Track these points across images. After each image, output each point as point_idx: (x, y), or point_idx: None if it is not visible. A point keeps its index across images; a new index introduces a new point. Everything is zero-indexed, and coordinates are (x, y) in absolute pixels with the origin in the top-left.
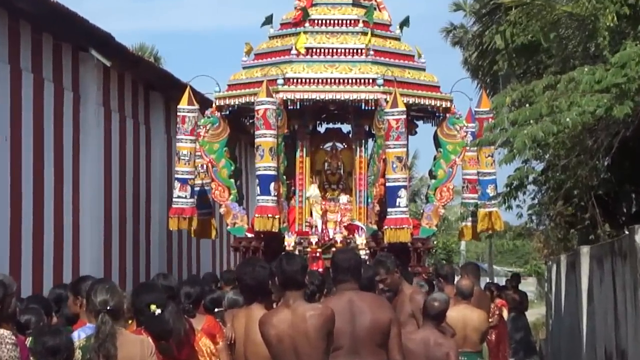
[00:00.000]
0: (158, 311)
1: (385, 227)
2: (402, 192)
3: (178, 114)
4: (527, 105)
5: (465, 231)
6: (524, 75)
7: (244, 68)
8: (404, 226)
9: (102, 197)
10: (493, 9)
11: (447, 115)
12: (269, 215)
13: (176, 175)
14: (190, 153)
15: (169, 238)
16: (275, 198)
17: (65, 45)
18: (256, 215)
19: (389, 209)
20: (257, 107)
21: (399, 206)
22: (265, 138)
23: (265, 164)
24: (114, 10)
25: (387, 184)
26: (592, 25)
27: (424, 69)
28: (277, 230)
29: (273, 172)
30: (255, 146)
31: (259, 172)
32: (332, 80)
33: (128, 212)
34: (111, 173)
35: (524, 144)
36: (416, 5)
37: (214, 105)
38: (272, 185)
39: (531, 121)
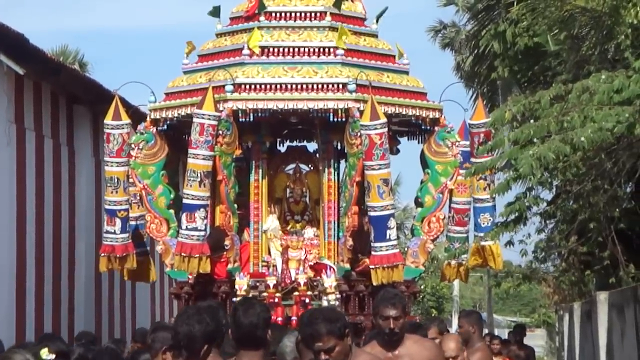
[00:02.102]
0: None
1: (373, 266)
2: (392, 222)
3: (105, 130)
4: (532, 120)
5: (447, 271)
6: (527, 83)
7: (185, 73)
8: (396, 263)
9: (14, 234)
10: (491, 4)
11: (436, 128)
12: (187, 255)
13: (104, 206)
14: (119, 179)
15: (97, 283)
16: (202, 233)
17: None
18: (174, 253)
19: (376, 244)
20: (193, 121)
21: (389, 239)
22: (195, 159)
23: (192, 192)
24: (29, 5)
25: (373, 213)
26: (611, 23)
27: (406, 72)
28: (203, 272)
29: (200, 202)
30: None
31: (184, 201)
32: (293, 86)
33: (47, 252)
34: (25, 204)
35: (530, 168)
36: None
37: (148, 118)
38: (197, 217)
39: (537, 140)
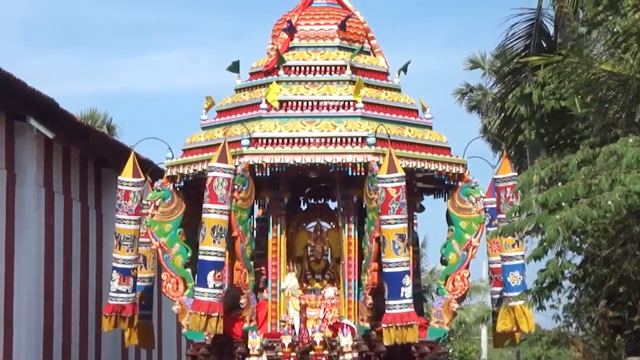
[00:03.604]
0: None
1: (385, 325)
2: (407, 280)
3: (119, 187)
4: (560, 184)
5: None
6: (555, 146)
7: (203, 129)
8: (411, 323)
9: (42, 297)
10: (517, 67)
11: (460, 184)
12: (202, 314)
13: (115, 264)
14: (135, 237)
15: (123, 345)
16: (216, 291)
17: None
18: (190, 311)
19: (390, 302)
20: (208, 174)
21: (403, 297)
22: (209, 214)
23: (206, 248)
24: (58, 70)
25: (387, 270)
26: (638, 87)
27: (430, 127)
28: (219, 332)
29: (214, 258)
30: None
31: (199, 257)
32: (311, 140)
33: (74, 314)
34: (53, 267)
35: (556, 233)
36: (422, 61)
37: (165, 175)
38: (210, 274)
39: (565, 204)
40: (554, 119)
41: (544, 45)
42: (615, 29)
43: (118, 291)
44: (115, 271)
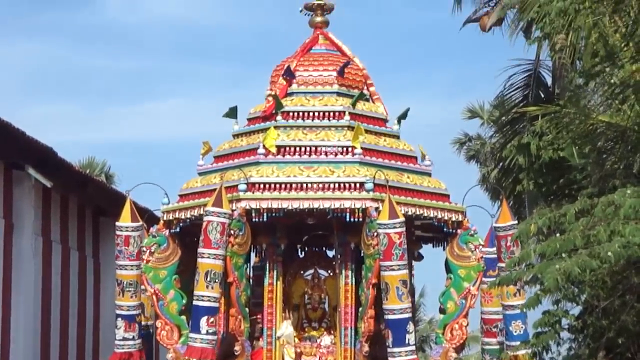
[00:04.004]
0: None
1: None
2: (410, 326)
3: (118, 233)
4: (558, 234)
5: None
6: (553, 196)
7: (200, 174)
8: None
9: (39, 345)
10: (515, 117)
11: (459, 231)
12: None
13: (119, 312)
14: (137, 282)
15: None
16: (209, 337)
17: None
18: (183, 358)
19: (394, 349)
20: (203, 219)
21: (408, 344)
22: (203, 259)
23: (200, 293)
24: (58, 119)
25: (391, 317)
26: (635, 137)
27: (429, 174)
28: None
29: (207, 303)
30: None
31: (193, 302)
32: (309, 186)
33: None
34: (50, 316)
35: (555, 282)
36: (422, 111)
37: (161, 221)
38: (203, 320)
39: (564, 254)
40: (552, 169)
41: (542, 95)
42: (612, 80)
43: (124, 339)
44: (120, 319)
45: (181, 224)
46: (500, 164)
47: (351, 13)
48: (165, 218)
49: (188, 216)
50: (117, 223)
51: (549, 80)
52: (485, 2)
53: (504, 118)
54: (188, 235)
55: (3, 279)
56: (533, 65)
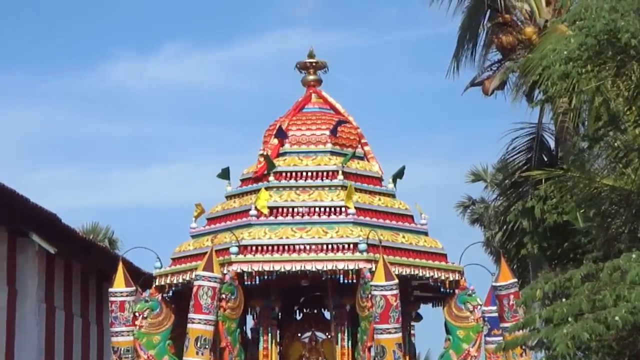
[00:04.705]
0: None
1: None
2: None
3: (112, 299)
4: (564, 298)
5: None
6: (557, 260)
7: (192, 237)
8: None
9: None
10: (519, 181)
11: (457, 291)
12: None
13: None
14: (134, 349)
15: None
16: None
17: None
18: None
19: None
20: (194, 283)
21: None
22: (193, 324)
23: (190, 359)
24: (61, 184)
25: None
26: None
27: (425, 233)
28: None
29: None
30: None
31: None
32: (301, 247)
33: None
34: None
35: (567, 347)
36: (424, 173)
37: (153, 285)
38: None
39: (570, 319)
40: (556, 233)
41: (545, 159)
42: (616, 144)
43: None
44: None
45: (174, 289)
46: (504, 227)
47: (351, 76)
48: (157, 282)
49: (180, 280)
50: (110, 289)
51: (552, 144)
52: (487, 66)
53: (507, 181)
54: (181, 299)
55: (7, 346)
56: (536, 128)
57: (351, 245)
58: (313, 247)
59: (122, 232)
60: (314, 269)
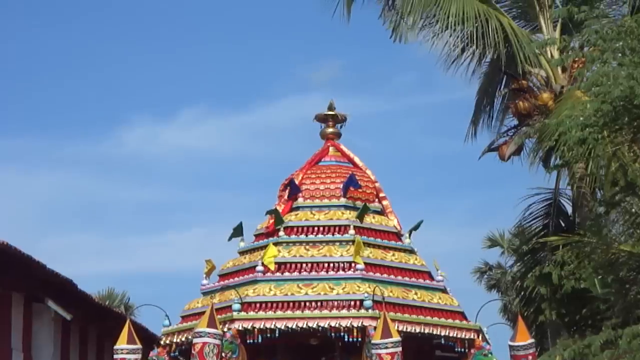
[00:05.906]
0: None
1: None
2: None
3: (115, 356)
4: None
5: None
6: (576, 327)
7: (203, 294)
8: None
9: None
10: (536, 247)
11: (472, 350)
12: None
13: None
14: None
15: None
16: None
17: (16, 296)
18: None
19: None
20: (194, 341)
21: None
22: None
23: None
24: (78, 249)
25: None
26: None
27: (442, 290)
28: None
29: None
30: None
31: None
32: (306, 304)
33: None
34: None
35: None
36: (441, 239)
37: (160, 344)
38: None
39: None
40: (574, 299)
41: (562, 224)
42: (633, 210)
43: None
44: None
45: (179, 347)
46: (522, 293)
47: (368, 141)
48: (164, 341)
49: (183, 339)
50: (114, 347)
51: (569, 209)
52: (503, 132)
53: (524, 247)
54: (189, 357)
55: None
56: (553, 193)
57: (357, 302)
58: (318, 303)
59: (137, 298)
60: (316, 327)
